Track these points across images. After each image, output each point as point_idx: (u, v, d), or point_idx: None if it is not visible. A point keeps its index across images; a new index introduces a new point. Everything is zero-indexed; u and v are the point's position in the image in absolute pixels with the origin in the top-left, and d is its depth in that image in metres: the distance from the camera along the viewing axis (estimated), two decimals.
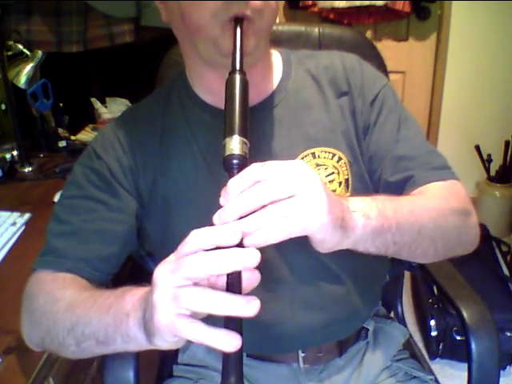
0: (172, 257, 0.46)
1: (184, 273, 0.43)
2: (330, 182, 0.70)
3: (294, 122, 0.71)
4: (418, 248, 0.62)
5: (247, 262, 0.42)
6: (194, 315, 0.44)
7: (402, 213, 0.59)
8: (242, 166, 0.48)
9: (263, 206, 0.45)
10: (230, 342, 0.41)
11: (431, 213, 0.62)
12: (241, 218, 0.45)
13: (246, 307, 0.41)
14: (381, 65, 0.95)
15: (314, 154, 0.70)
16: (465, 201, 0.67)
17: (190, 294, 0.42)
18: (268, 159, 0.48)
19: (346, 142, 0.71)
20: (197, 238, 0.44)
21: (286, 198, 0.45)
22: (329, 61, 0.76)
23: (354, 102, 0.72)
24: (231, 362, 0.42)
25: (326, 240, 0.50)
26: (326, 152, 0.70)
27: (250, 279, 0.43)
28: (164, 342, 0.47)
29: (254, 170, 0.46)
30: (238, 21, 0.58)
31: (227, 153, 0.49)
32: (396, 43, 2.24)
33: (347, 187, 0.71)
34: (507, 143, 2.16)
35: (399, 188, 0.69)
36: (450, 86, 2.22)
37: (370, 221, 0.54)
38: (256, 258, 0.42)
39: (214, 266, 0.42)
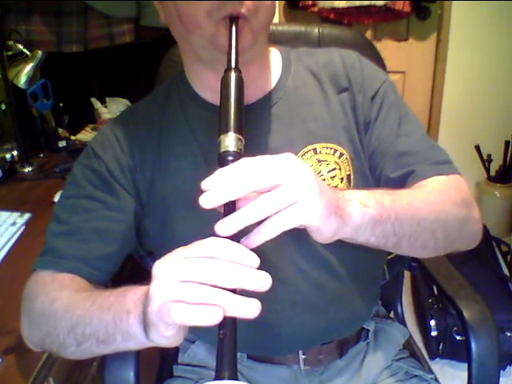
0: (174, 253, 0.46)
1: (180, 274, 0.43)
2: (331, 177, 0.70)
3: (295, 119, 0.71)
4: (417, 240, 0.61)
5: (257, 286, 0.42)
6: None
7: (400, 204, 0.58)
8: None
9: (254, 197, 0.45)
10: (213, 314, 0.41)
11: (431, 205, 0.62)
12: (226, 204, 0.46)
13: (248, 309, 0.42)
14: (381, 65, 0.95)
15: (315, 149, 0.70)
16: (466, 195, 0.67)
17: (192, 288, 0.42)
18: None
19: (347, 138, 0.71)
20: (216, 246, 0.44)
21: (272, 185, 0.45)
22: (328, 57, 0.76)
23: (355, 98, 0.72)
24: (225, 358, 0.42)
25: (322, 227, 0.50)
26: (327, 148, 0.70)
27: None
28: (160, 337, 0.47)
29: (243, 162, 0.47)
30: (233, 19, 0.58)
31: (222, 149, 0.49)
32: (396, 43, 2.24)
33: (349, 183, 0.70)
34: (507, 143, 2.16)
35: (401, 183, 0.69)
36: (450, 85, 2.22)
37: (367, 209, 0.54)
38: (267, 283, 0.43)
39: (223, 279, 0.42)
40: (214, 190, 0.45)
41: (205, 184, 0.46)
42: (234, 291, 0.43)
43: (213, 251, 0.44)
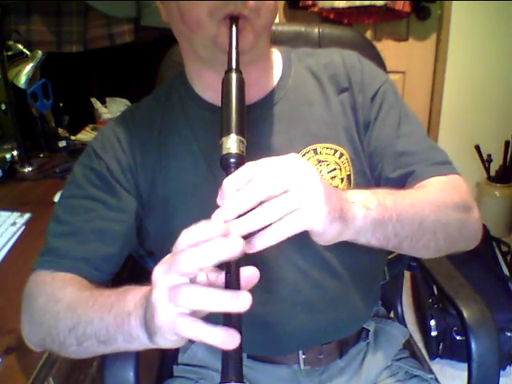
0: (168, 256, 0.46)
1: (177, 269, 0.43)
2: (332, 178, 0.70)
3: (295, 119, 0.71)
4: (419, 241, 0.61)
5: (232, 250, 0.41)
6: (194, 314, 0.44)
7: (402, 205, 0.58)
8: (240, 164, 0.48)
9: (261, 203, 0.45)
10: (229, 340, 0.41)
11: (432, 206, 0.62)
12: (239, 216, 0.45)
13: (236, 302, 0.41)
14: (381, 65, 0.95)
15: (315, 150, 0.70)
16: (466, 195, 0.67)
17: (185, 291, 0.42)
18: (269, 156, 0.48)
19: (347, 138, 0.71)
20: (185, 236, 0.44)
21: (281, 192, 0.45)
22: (329, 58, 0.76)
23: (355, 98, 0.72)
24: (231, 361, 0.42)
25: (326, 232, 0.50)
26: (327, 148, 0.70)
27: (249, 277, 0.44)
28: (165, 341, 0.47)
29: (249, 168, 0.47)
30: (234, 19, 0.58)
31: (224, 152, 0.49)
32: (396, 43, 2.24)
33: (349, 183, 0.70)
34: (507, 143, 2.16)
35: (400, 184, 0.69)
36: (450, 86, 2.22)
37: (369, 211, 0.54)
38: (239, 244, 0.42)
39: (202, 258, 0.41)
40: (225, 207, 0.45)
41: (218, 200, 0.46)
42: (238, 287, 0.43)
43: (191, 238, 0.43)
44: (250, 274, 0.44)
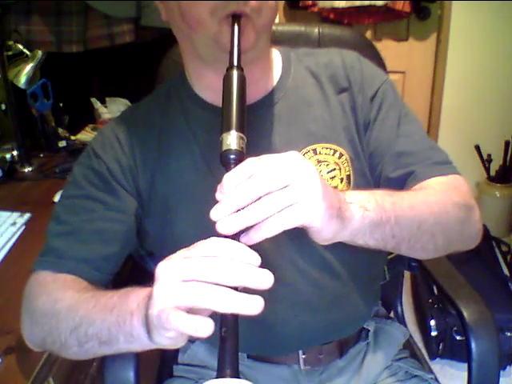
0: (177, 254, 0.46)
1: (193, 272, 0.43)
2: (331, 178, 0.70)
3: (295, 119, 0.71)
4: (417, 243, 0.62)
5: (259, 284, 0.42)
6: (189, 311, 0.44)
7: (401, 207, 0.59)
8: (239, 160, 0.48)
9: (259, 198, 0.45)
10: (206, 325, 0.42)
11: (432, 207, 0.62)
12: (237, 211, 0.45)
13: (251, 305, 0.41)
14: (380, 65, 0.95)
15: (315, 150, 0.70)
16: (467, 195, 0.67)
17: (195, 288, 0.42)
18: None
19: (347, 138, 0.71)
20: (217, 245, 0.44)
21: (280, 188, 0.46)
22: (328, 58, 0.76)
23: (355, 98, 0.72)
24: (227, 356, 0.42)
25: (323, 230, 0.50)
26: (327, 148, 0.70)
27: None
28: (162, 338, 0.47)
29: (249, 163, 0.47)
30: (236, 17, 0.58)
31: (224, 148, 0.49)
32: (396, 43, 2.25)
33: (349, 183, 0.70)
34: (507, 143, 2.16)
35: (400, 184, 0.69)
36: (450, 86, 2.22)
37: (367, 212, 0.54)
38: (269, 281, 0.43)
39: (224, 277, 0.42)
40: (225, 201, 0.45)
41: (217, 195, 0.47)
42: (235, 290, 0.43)
43: (214, 250, 0.44)
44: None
